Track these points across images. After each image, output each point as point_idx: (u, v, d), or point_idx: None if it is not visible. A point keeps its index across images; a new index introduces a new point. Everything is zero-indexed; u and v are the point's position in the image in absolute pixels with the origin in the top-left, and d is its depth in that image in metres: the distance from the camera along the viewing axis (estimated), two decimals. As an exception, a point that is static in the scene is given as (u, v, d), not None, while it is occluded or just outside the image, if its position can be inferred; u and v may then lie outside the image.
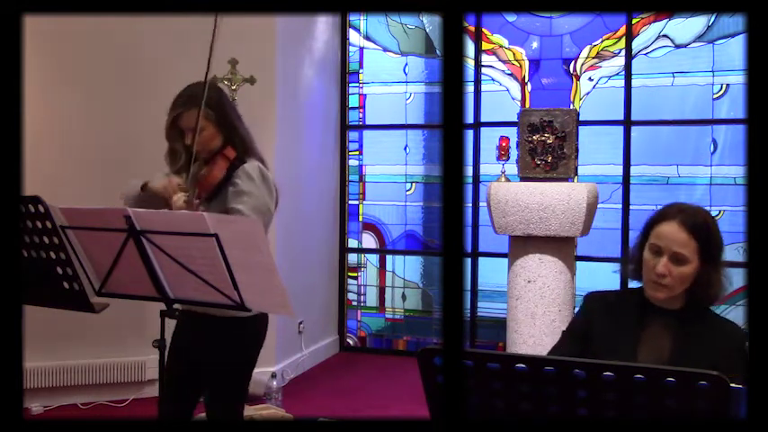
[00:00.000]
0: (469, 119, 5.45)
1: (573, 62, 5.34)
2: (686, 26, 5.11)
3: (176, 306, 2.20)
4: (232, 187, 2.42)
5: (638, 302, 1.96)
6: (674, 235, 1.87)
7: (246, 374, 2.61)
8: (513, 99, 5.46)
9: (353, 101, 5.85)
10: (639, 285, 1.99)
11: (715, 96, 5.05)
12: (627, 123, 5.17)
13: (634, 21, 5.18)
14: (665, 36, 5.16)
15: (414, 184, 5.73)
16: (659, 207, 2.00)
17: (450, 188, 0.69)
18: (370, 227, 5.84)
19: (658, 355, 1.89)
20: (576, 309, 3.94)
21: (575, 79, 5.33)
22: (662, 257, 1.87)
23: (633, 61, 5.18)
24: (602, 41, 5.28)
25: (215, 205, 2.47)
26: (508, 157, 4.19)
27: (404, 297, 5.77)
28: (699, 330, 1.89)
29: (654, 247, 1.90)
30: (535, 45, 5.44)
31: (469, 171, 5.43)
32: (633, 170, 5.17)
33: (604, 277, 4.67)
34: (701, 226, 1.89)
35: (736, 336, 1.89)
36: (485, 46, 5.49)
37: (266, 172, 2.48)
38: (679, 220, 1.88)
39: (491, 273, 5.42)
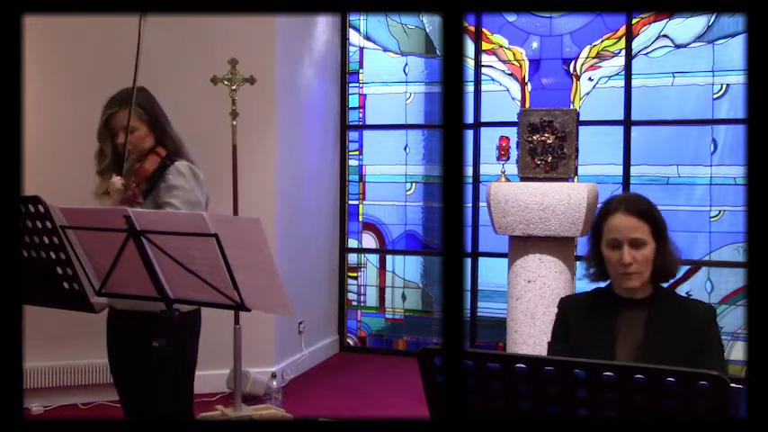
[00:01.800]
0: (469, 119, 5.45)
1: (573, 62, 5.34)
2: (686, 26, 5.11)
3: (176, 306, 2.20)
4: (163, 183, 2.52)
5: (608, 299, 2.04)
6: (626, 223, 1.96)
7: (183, 370, 2.59)
8: (513, 99, 5.46)
9: (353, 101, 5.85)
10: (607, 284, 2.06)
11: (715, 96, 5.05)
12: (627, 123, 5.17)
13: (634, 21, 5.18)
14: (665, 36, 5.16)
15: (414, 184, 5.73)
16: (602, 203, 2.09)
17: (450, 188, 0.69)
18: (370, 227, 5.84)
19: (634, 344, 1.96)
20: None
21: (575, 79, 5.33)
22: (622, 248, 1.95)
23: (633, 61, 5.18)
24: (602, 41, 5.28)
25: (149, 201, 2.54)
26: (508, 157, 4.19)
27: (404, 297, 5.77)
28: (668, 313, 1.97)
29: (611, 242, 1.98)
30: (535, 45, 5.44)
31: (469, 171, 5.43)
32: (633, 170, 5.17)
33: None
34: (645, 209, 1.99)
35: (704, 312, 1.98)
36: (485, 46, 5.49)
37: (197, 171, 2.59)
38: (624, 208, 1.98)
39: (491, 273, 5.42)
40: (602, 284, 2.09)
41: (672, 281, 2.06)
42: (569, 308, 2.09)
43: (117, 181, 2.48)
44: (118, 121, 2.58)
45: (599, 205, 2.11)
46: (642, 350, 1.94)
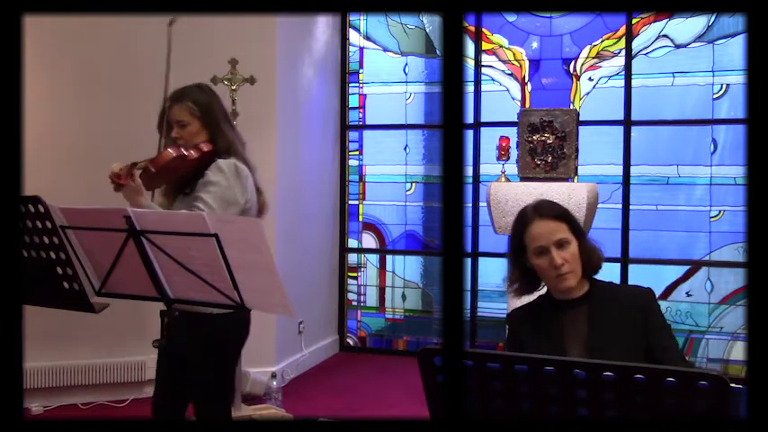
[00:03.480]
0: (469, 119, 5.45)
1: (573, 62, 5.34)
2: (686, 26, 5.11)
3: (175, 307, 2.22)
4: (202, 179, 2.52)
5: (550, 305, 2.08)
6: (546, 228, 2.01)
7: (224, 372, 2.63)
8: (513, 99, 5.46)
9: (353, 101, 5.84)
10: (546, 290, 2.11)
11: (715, 96, 5.04)
12: (627, 123, 5.17)
13: (634, 21, 5.18)
14: (665, 36, 5.16)
15: (414, 184, 5.73)
16: (523, 210, 2.10)
17: (450, 188, 0.69)
18: (370, 227, 5.84)
19: (582, 342, 2.01)
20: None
21: (575, 79, 5.33)
22: (550, 252, 1.99)
23: (633, 61, 5.18)
24: (602, 41, 5.28)
25: (189, 198, 2.54)
26: (508, 157, 4.19)
27: (404, 297, 5.77)
28: (607, 305, 2.02)
29: (537, 250, 2.02)
30: (535, 45, 5.43)
31: (469, 171, 5.43)
32: (633, 170, 5.17)
33: (603, 277, 4.66)
34: (558, 211, 2.05)
35: (641, 295, 2.03)
36: (485, 46, 5.49)
37: (243, 169, 2.56)
38: (538, 216, 2.03)
39: (491, 273, 5.42)
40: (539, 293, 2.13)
41: (599, 271, 2.11)
42: (517, 321, 2.13)
43: (115, 166, 2.48)
44: (172, 115, 2.61)
45: (514, 218, 2.15)
46: (590, 346, 1.98)
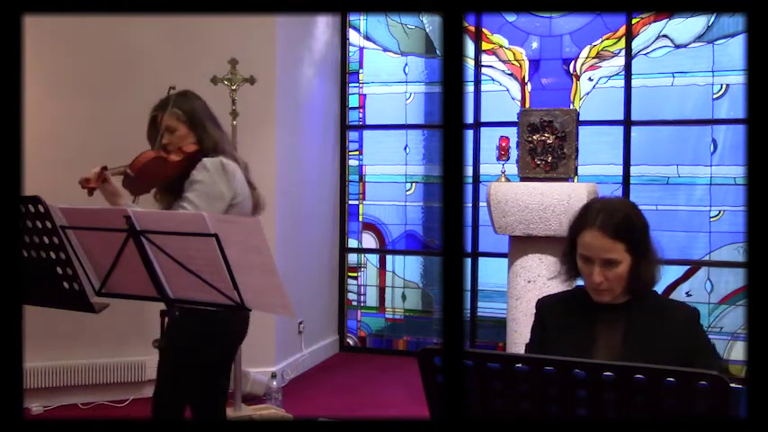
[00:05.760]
0: (469, 119, 5.45)
1: (573, 62, 5.34)
2: (686, 26, 5.11)
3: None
4: (188, 179, 2.57)
5: (586, 301, 1.95)
6: (599, 243, 1.86)
7: (216, 371, 2.65)
8: (513, 99, 5.46)
9: (353, 101, 5.84)
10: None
11: (715, 96, 5.04)
12: (627, 123, 5.17)
13: (634, 21, 5.18)
14: (664, 36, 5.16)
15: (414, 184, 5.73)
16: (580, 211, 1.96)
17: (450, 188, 0.69)
18: (370, 227, 5.84)
19: (612, 350, 1.89)
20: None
21: (575, 79, 5.32)
22: (594, 266, 1.87)
23: (633, 61, 5.18)
24: (602, 41, 5.28)
25: (176, 198, 2.58)
26: (508, 157, 4.19)
27: (404, 297, 5.77)
28: (648, 320, 1.90)
29: (583, 256, 1.90)
30: (535, 45, 5.43)
31: (469, 171, 5.43)
32: (633, 170, 5.17)
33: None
34: (621, 225, 1.87)
35: (686, 317, 1.90)
36: (485, 46, 5.49)
37: (228, 164, 2.61)
38: (599, 225, 1.86)
39: (491, 273, 5.42)
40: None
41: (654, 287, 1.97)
42: (546, 309, 2.03)
43: (94, 170, 2.55)
44: (160, 123, 2.68)
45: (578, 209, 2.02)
46: (620, 358, 1.86)
